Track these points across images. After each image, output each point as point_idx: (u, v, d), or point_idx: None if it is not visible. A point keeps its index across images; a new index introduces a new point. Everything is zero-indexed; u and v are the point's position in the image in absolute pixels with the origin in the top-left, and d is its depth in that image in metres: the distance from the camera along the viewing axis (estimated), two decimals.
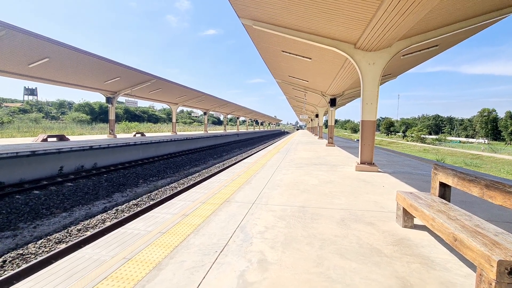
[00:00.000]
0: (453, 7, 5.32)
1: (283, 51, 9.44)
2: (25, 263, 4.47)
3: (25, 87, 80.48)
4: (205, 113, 34.84)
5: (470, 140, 74.93)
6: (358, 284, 1.96)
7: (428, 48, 7.80)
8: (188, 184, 10.00)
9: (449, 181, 2.70)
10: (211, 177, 11.27)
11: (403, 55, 8.22)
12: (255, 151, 23.17)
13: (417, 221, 3.11)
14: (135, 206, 7.46)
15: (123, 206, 7.39)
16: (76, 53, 10.94)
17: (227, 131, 43.10)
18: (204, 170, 13.50)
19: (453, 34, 6.36)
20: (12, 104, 63.63)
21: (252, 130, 64.87)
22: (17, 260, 4.54)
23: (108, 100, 18.56)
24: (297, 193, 4.53)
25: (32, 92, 79.97)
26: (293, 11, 5.95)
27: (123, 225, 3.82)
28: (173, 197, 7.43)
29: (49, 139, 14.14)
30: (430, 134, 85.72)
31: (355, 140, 30.18)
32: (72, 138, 17.36)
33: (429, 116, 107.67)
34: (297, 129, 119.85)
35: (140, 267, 2.17)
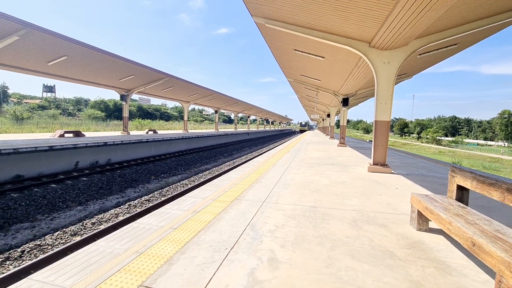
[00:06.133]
0: (474, 3, 5.12)
1: (295, 50, 9.36)
2: (42, 253, 4.64)
3: (44, 84, 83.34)
4: (216, 112, 35.08)
5: (489, 142, 72.08)
6: (370, 287, 1.92)
7: (446, 47, 7.54)
8: (199, 182, 10.10)
9: (467, 184, 2.60)
10: (221, 175, 11.35)
11: (420, 54, 7.99)
12: (265, 150, 23.14)
13: (432, 225, 3.02)
14: (147, 201, 7.61)
15: (136, 201, 7.54)
16: (92, 51, 11.24)
17: (237, 129, 43.24)
18: (214, 168, 13.60)
19: (473, 32, 6.13)
20: (31, 100, 66.10)
21: (263, 129, 64.83)
22: (35, 250, 4.72)
23: (122, 97, 19.00)
24: (308, 193, 4.49)
25: (50, 89, 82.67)
26: (307, 9, 5.88)
27: (136, 220, 3.89)
28: (184, 194, 7.53)
29: (66, 135, 14.60)
30: (446, 136, 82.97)
31: (368, 140, 29.64)
32: (87, 134, 17.89)
33: (445, 117, 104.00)
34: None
35: (152, 261, 2.21)
